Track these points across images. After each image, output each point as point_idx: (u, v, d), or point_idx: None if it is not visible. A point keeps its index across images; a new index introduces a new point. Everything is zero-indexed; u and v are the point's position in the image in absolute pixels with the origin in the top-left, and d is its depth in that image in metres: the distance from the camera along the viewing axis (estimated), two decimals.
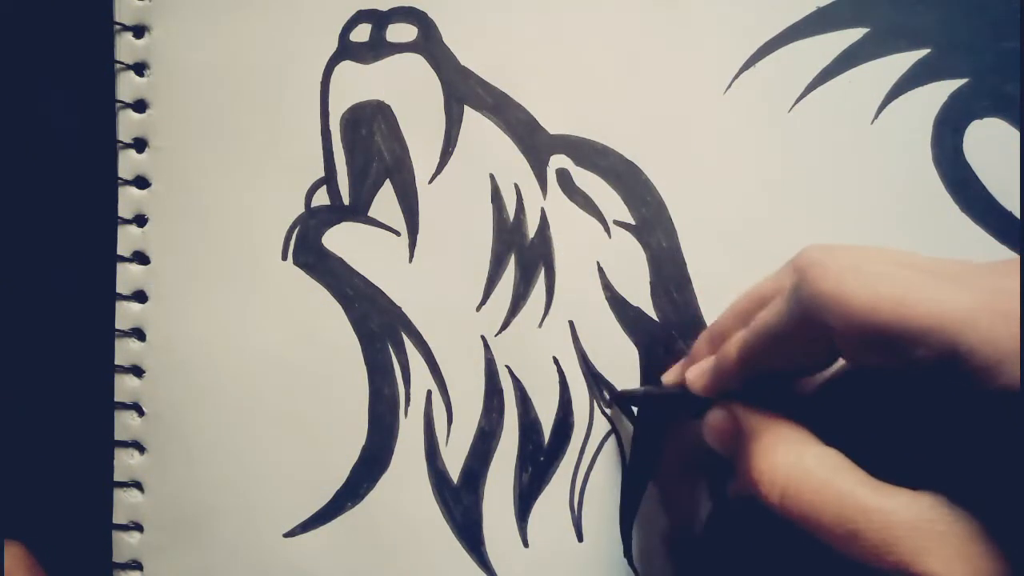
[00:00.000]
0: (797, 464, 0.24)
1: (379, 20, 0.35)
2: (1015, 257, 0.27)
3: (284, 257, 0.35)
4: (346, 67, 0.35)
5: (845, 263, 0.23)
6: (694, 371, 0.29)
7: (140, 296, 0.36)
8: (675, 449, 0.33)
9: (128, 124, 0.36)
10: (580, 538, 0.34)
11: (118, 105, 0.36)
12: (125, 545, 0.35)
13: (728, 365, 0.27)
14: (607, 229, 0.34)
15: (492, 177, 0.34)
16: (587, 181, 0.34)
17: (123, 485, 0.35)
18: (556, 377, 0.34)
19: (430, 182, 0.35)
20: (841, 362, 0.26)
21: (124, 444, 0.35)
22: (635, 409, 0.33)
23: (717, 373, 0.27)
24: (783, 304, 0.24)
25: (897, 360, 0.21)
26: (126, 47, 0.36)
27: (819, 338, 0.23)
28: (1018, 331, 0.19)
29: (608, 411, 0.33)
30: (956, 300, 0.20)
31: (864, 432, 0.25)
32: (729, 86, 0.34)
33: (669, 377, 0.32)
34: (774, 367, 0.26)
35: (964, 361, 0.20)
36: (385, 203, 0.35)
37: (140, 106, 0.36)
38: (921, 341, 0.20)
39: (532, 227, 0.34)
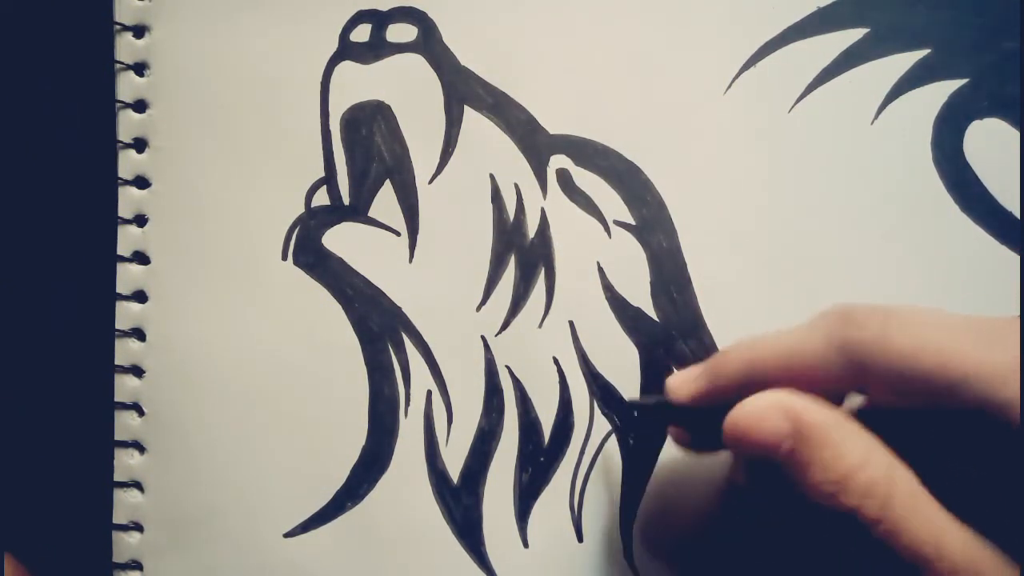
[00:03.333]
0: (888, 475, 0.23)
1: (379, 20, 0.35)
2: None
3: (284, 257, 0.35)
4: (346, 67, 0.35)
5: (890, 309, 0.23)
6: (677, 378, 0.27)
7: (140, 296, 0.36)
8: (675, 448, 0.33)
9: (128, 124, 0.36)
10: (580, 538, 0.34)
11: (118, 105, 0.36)
12: (125, 545, 0.35)
13: (725, 371, 0.26)
14: (607, 229, 0.34)
15: (492, 177, 0.34)
16: (587, 181, 0.34)
17: (123, 485, 0.35)
18: (556, 377, 0.34)
19: (430, 182, 0.35)
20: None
21: (124, 444, 0.35)
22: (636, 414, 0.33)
23: (709, 378, 0.26)
24: (819, 339, 0.24)
25: (928, 405, 0.22)
26: (126, 47, 0.36)
27: (849, 377, 0.23)
28: None
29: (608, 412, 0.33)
30: (993, 357, 0.21)
31: None
32: (729, 86, 0.34)
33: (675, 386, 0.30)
34: (777, 384, 0.25)
35: (996, 414, 0.21)
36: (385, 203, 0.35)
37: (140, 106, 0.36)
38: (957, 391, 0.21)
39: (532, 227, 0.34)
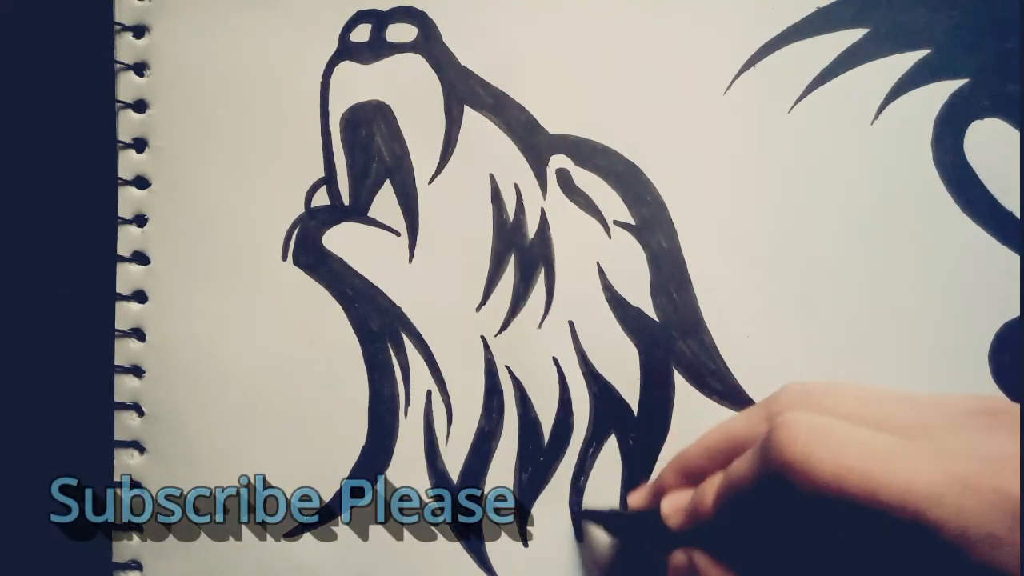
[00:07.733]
0: None
1: (379, 20, 0.35)
2: (994, 397, 0.28)
3: (284, 257, 0.35)
4: (346, 67, 0.35)
5: (814, 428, 0.23)
6: (670, 506, 0.29)
7: (140, 296, 0.36)
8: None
9: (128, 124, 0.36)
10: (580, 538, 0.34)
11: (118, 105, 0.36)
12: (125, 545, 0.35)
13: (704, 511, 0.27)
14: (607, 229, 0.34)
15: (492, 177, 0.34)
16: (587, 181, 0.34)
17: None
18: (556, 377, 0.34)
19: (430, 182, 0.35)
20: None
21: (124, 444, 0.35)
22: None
23: (693, 515, 0.28)
24: (753, 465, 0.25)
25: (863, 525, 0.22)
26: (126, 47, 0.36)
27: (786, 498, 0.23)
28: (986, 500, 0.20)
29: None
30: (923, 475, 0.21)
31: None
32: (729, 86, 0.34)
33: (635, 499, 0.32)
34: (747, 515, 0.26)
35: (932, 533, 0.21)
36: (385, 203, 0.35)
37: (140, 106, 0.36)
38: (888, 513, 0.21)
39: (532, 227, 0.34)
